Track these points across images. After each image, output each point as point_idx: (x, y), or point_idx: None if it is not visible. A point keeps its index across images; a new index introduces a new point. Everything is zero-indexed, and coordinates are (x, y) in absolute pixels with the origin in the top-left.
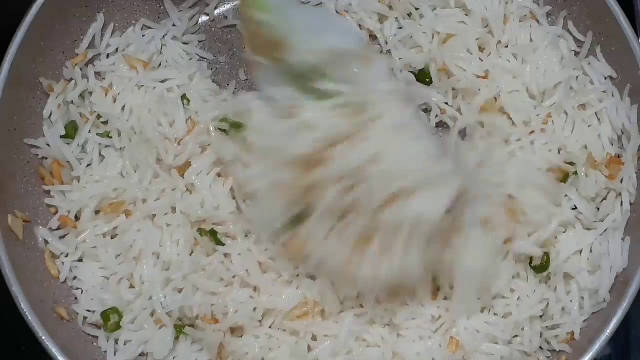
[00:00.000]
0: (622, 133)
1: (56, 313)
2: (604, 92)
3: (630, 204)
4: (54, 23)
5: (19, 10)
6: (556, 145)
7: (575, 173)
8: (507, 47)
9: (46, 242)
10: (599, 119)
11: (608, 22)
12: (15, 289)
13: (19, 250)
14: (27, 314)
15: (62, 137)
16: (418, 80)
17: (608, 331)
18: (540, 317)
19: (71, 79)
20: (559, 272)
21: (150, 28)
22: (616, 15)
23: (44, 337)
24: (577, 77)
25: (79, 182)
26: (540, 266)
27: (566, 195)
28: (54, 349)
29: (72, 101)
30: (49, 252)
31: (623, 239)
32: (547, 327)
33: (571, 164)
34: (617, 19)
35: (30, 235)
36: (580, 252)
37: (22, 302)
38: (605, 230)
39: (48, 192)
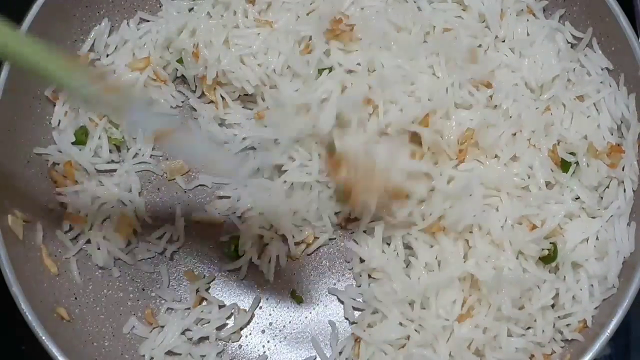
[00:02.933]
0: (622, 122)
1: (56, 313)
2: (601, 82)
3: (633, 190)
4: (54, 23)
5: (19, 10)
6: (555, 137)
7: (577, 163)
8: (504, 41)
9: (43, 239)
10: (597, 110)
11: (608, 22)
12: (15, 289)
13: (19, 250)
14: (27, 314)
15: (72, 143)
16: None
17: (618, 316)
18: (552, 307)
19: None
20: (567, 261)
21: (147, 21)
22: (616, 15)
23: (44, 337)
24: (574, 69)
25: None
26: (548, 257)
27: (568, 186)
28: (54, 349)
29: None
30: (46, 249)
31: (629, 224)
32: (559, 316)
33: (572, 154)
34: (617, 19)
35: (30, 235)
36: (587, 240)
37: (22, 302)
38: (611, 217)
39: (52, 190)
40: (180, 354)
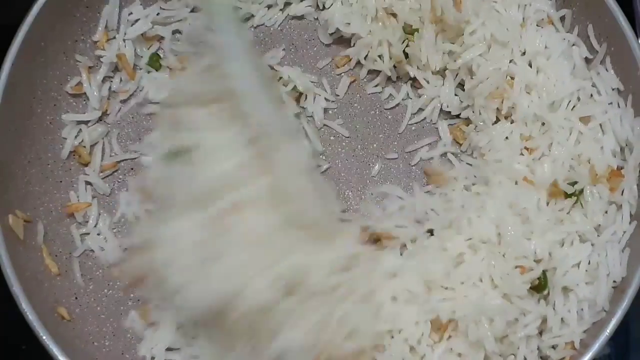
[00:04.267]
0: (626, 145)
1: (56, 313)
2: (610, 104)
3: (631, 215)
4: (54, 23)
5: (19, 10)
6: (560, 162)
7: (581, 192)
8: (524, 54)
9: (44, 239)
10: (602, 131)
11: (608, 23)
12: (16, 288)
13: (19, 250)
14: (27, 313)
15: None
16: None
17: (602, 337)
18: (540, 334)
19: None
20: (557, 286)
21: None
22: (616, 16)
23: (44, 337)
24: (585, 88)
25: None
26: (539, 285)
27: (568, 213)
28: (54, 349)
29: None
30: (47, 249)
31: (622, 250)
32: (544, 340)
33: (574, 183)
34: (617, 19)
35: (31, 235)
36: (578, 264)
37: (22, 302)
38: (606, 242)
39: (53, 190)
40: (178, 349)
